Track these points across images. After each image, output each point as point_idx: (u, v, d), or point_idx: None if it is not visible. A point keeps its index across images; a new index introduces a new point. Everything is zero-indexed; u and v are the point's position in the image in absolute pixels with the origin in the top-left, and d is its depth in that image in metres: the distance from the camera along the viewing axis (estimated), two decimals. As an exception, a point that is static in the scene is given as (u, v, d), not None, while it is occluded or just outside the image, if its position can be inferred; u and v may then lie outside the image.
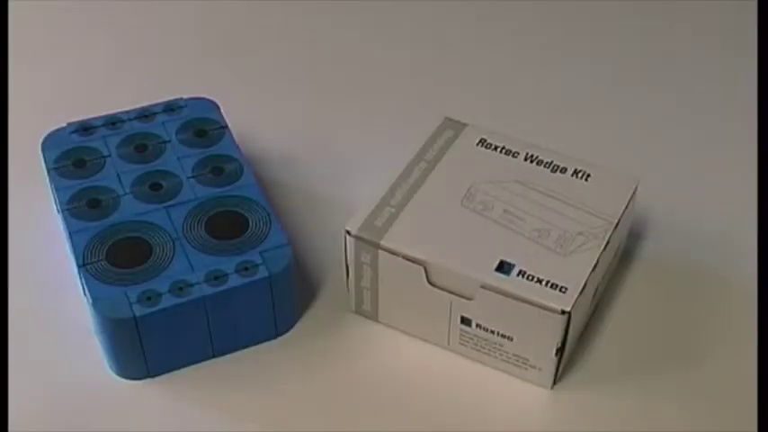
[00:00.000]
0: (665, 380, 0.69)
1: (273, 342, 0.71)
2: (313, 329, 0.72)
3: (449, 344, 0.70)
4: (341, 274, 0.72)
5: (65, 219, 0.71)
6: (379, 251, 0.68)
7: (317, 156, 0.85)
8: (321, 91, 0.92)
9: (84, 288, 0.68)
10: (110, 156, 0.75)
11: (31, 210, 0.79)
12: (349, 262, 0.70)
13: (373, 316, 0.72)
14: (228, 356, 0.70)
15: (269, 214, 0.71)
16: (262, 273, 0.67)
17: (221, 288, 0.66)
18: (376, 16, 1.00)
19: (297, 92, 0.92)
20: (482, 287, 0.65)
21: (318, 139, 0.87)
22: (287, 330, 0.72)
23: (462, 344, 0.69)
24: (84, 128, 0.77)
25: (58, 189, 0.73)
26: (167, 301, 0.65)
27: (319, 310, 0.73)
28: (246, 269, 0.67)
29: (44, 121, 0.78)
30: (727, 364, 0.70)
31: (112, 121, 0.78)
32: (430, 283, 0.67)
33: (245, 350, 0.70)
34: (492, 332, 0.67)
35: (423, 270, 0.67)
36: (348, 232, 0.68)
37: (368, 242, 0.69)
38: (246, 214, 0.71)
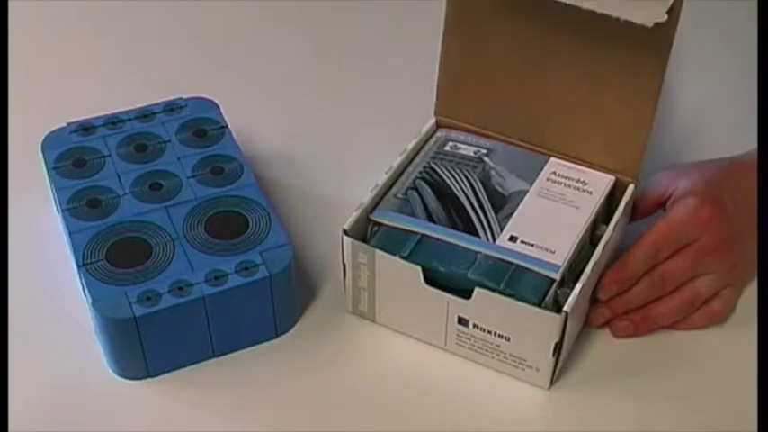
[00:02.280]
0: (662, 380, 0.69)
1: (273, 342, 0.71)
2: (312, 330, 0.72)
3: (446, 344, 0.70)
4: (340, 273, 0.72)
5: (65, 219, 0.71)
6: (376, 251, 0.68)
7: (316, 156, 0.85)
8: (321, 91, 0.92)
9: (84, 288, 0.68)
10: (110, 156, 0.75)
11: (31, 210, 0.79)
12: (346, 262, 0.70)
13: (370, 317, 0.72)
14: (228, 356, 0.70)
15: (269, 214, 0.71)
16: (262, 273, 0.67)
17: (221, 288, 0.66)
18: (376, 17, 1.00)
19: (297, 92, 0.92)
20: (479, 287, 0.65)
21: (318, 140, 0.87)
22: (287, 330, 0.72)
23: (459, 344, 0.69)
24: (85, 128, 0.77)
25: (58, 189, 0.73)
26: (167, 301, 0.65)
27: (319, 310, 0.73)
28: (246, 269, 0.67)
29: (44, 121, 0.78)
30: (727, 364, 0.70)
31: (112, 121, 0.78)
32: (427, 283, 0.67)
33: (245, 350, 0.70)
34: (489, 332, 0.67)
35: (419, 270, 0.67)
36: (345, 232, 0.68)
37: (365, 242, 0.69)
38: (246, 214, 0.71)
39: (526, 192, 0.71)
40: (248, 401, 0.68)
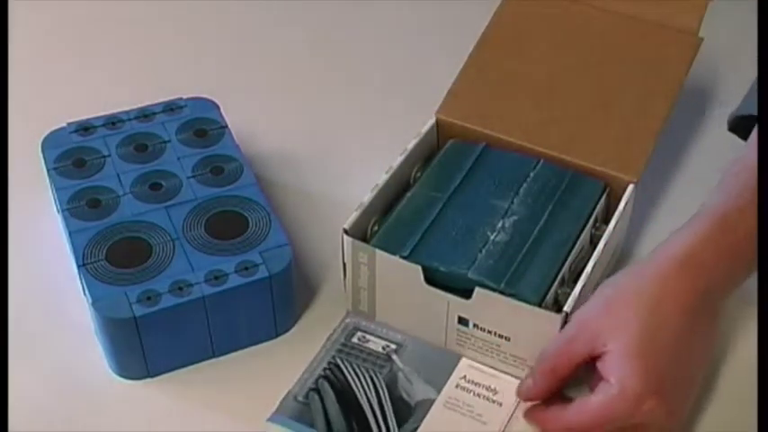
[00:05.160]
0: None
1: (273, 342, 0.71)
2: (313, 330, 0.72)
3: (446, 344, 0.70)
4: (340, 273, 0.72)
5: (65, 219, 0.71)
6: (376, 251, 0.68)
7: (316, 156, 0.85)
8: (321, 92, 0.92)
9: (84, 288, 0.68)
10: (110, 156, 0.75)
11: (31, 210, 0.79)
12: (346, 262, 0.70)
13: (370, 316, 0.72)
14: (228, 356, 0.70)
15: (269, 214, 0.71)
16: (262, 273, 0.67)
17: (221, 288, 0.66)
18: (376, 18, 1.00)
19: (297, 92, 0.92)
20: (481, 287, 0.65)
21: (318, 140, 0.87)
22: (287, 330, 0.72)
23: (459, 344, 0.69)
24: (85, 128, 0.77)
25: (58, 189, 0.73)
26: (167, 301, 0.65)
27: (319, 310, 0.73)
28: (246, 269, 0.67)
29: (44, 121, 0.78)
30: (727, 363, 0.70)
31: (112, 121, 0.78)
32: (427, 282, 0.67)
33: (245, 350, 0.70)
34: (489, 332, 0.67)
35: (420, 270, 0.67)
36: (346, 231, 0.68)
37: (365, 242, 0.69)
38: (246, 214, 0.71)
39: (432, 401, 0.67)
40: (248, 401, 0.68)
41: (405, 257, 0.67)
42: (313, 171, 0.84)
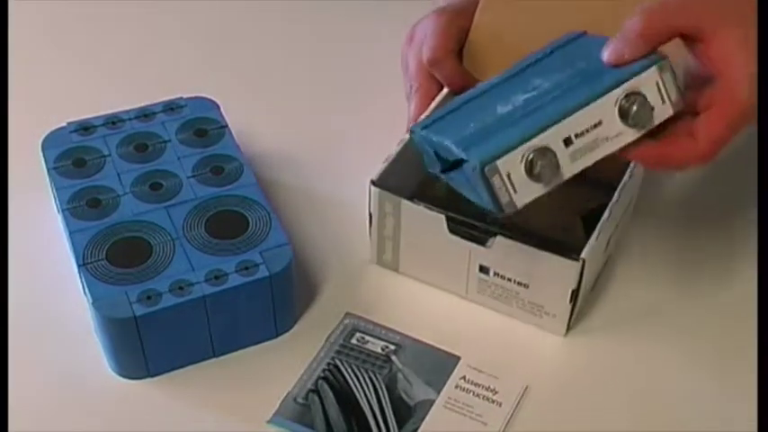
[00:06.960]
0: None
1: (273, 342, 0.71)
2: (313, 330, 0.72)
3: (467, 293, 0.71)
4: (341, 273, 0.72)
5: (65, 218, 0.71)
6: (402, 200, 0.68)
7: (317, 156, 0.85)
8: (321, 91, 0.92)
9: (84, 288, 0.68)
10: (110, 155, 0.75)
11: (31, 210, 0.79)
12: (372, 212, 0.71)
13: (394, 266, 0.73)
14: (228, 356, 0.70)
15: (269, 214, 0.71)
16: (262, 272, 0.67)
17: (221, 287, 0.66)
18: (376, 17, 1.00)
19: (297, 92, 0.92)
20: (500, 234, 0.66)
21: (318, 140, 0.87)
22: (287, 330, 0.72)
23: (480, 292, 0.70)
24: (85, 127, 0.77)
25: (57, 189, 0.73)
26: (167, 301, 0.65)
27: (319, 310, 0.73)
28: (246, 269, 0.67)
29: (44, 121, 0.78)
30: (727, 363, 0.71)
31: (112, 121, 0.78)
32: (451, 231, 0.67)
33: (245, 350, 0.70)
34: (509, 280, 0.68)
35: (444, 219, 0.67)
36: (373, 182, 0.69)
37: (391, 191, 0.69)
38: (246, 214, 0.71)
39: (432, 402, 0.67)
40: (248, 401, 0.68)
41: (416, 132, 0.67)
42: (313, 171, 0.84)
